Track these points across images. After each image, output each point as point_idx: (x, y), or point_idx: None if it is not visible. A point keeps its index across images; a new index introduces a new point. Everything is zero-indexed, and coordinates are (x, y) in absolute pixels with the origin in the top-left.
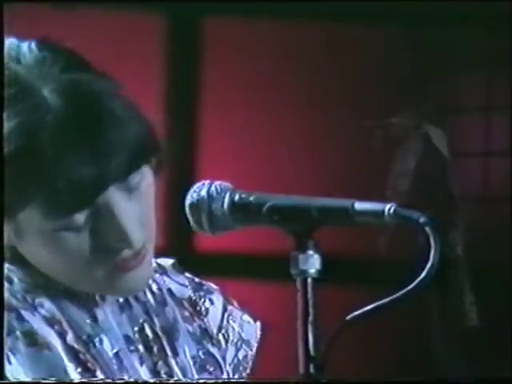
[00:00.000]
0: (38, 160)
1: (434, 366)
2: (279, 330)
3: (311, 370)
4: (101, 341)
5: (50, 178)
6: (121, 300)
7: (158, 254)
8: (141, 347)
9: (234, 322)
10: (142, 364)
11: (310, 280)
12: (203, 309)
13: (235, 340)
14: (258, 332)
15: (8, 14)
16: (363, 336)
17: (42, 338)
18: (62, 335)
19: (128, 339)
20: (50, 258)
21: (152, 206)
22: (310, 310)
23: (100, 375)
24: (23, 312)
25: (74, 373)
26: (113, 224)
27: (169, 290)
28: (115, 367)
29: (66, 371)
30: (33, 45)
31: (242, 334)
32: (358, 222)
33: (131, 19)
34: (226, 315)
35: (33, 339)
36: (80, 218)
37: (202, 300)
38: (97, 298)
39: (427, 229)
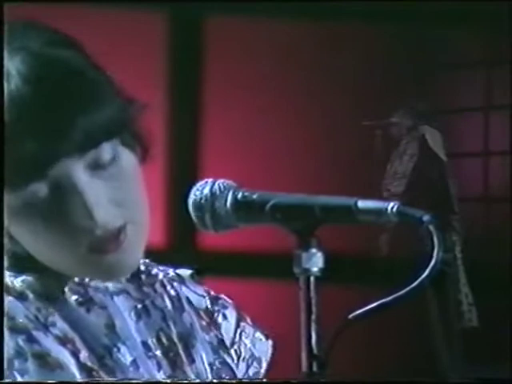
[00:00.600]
0: None
1: (435, 364)
2: (282, 328)
3: (314, 368)
4: (118, 349)
5: (4, 149)
6: (139, 306)
7: (163, 252)
8: (158, 353)
9: (246, 338)
10: (159, 370)
11: (312, 278)
12: (217, 322)
13: (247, 356)
14: (270, 350)
15: (8, 13)
16: (366, 334)
17: (53, 358)
18: (75, 354)
19: (146, 345)
20: (29, 238)
21: (135, 190)
22: (313, 309)
23: None
24: (35, 333)
25: None
26: (76, 200)
27: (187, 298)
28: (132, 375)
29: None
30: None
31: (254, 351)
32: (360, 220)
33: (134, 18)
34: (238, 331)
35: (44, 360)
36: (38, 190)
37: (216, 314)
38: (114, 305)
39: (430, 227)
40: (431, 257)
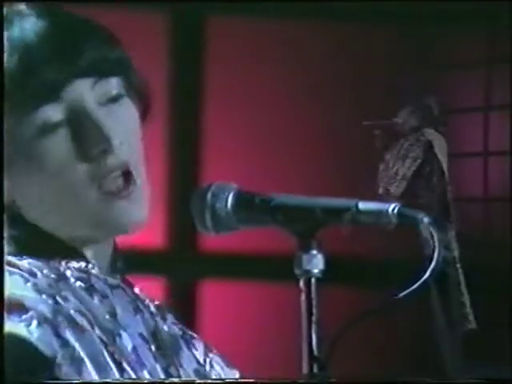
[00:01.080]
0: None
1: (437, 365)
2: (282, 329)
3: (315, 369)
4: (120, 335)
5: (22, 77)
6: (133, 303)
7: (163, 253)
8: (153, 348)
9: (217, 365)
10: (156, 362)
11: (313, 280)
12: (190, 348)
13: None
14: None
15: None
16: (367, 336)
17: (79, 322)
18: (92, 325)
19: (144, 338)
20: (40, 183)
21: (138, 137)
22: (314, 310)
23: (126, 367)
24: (57, 298)
25: (109, 359)
26: (91, 126)
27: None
28: (134, 362)
29: (103, 356)
30: None
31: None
32: (361, 221)
33: (135, 19)
34: (208, 360)
35: (74, 322)
36: (52, 115)
37: (187, 341)
38: (114, 296)
39: (431, 229)
40: (432, 258)
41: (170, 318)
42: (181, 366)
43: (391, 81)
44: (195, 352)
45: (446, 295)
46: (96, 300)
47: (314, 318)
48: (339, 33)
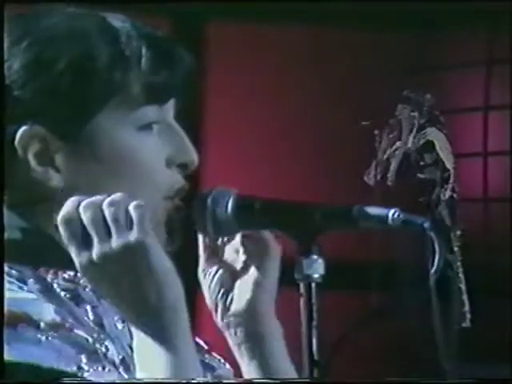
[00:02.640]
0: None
1: (436, 365)
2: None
3: (315, 374)
4: (106, 348)
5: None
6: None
7: None
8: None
9: (208, 372)
10: None
11: (313, 285)
12: None
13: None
14: (231, 372)
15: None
16: (367, 340)
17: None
18: (72, 330)
19: (131, 349)
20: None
21: None
22: (314, 315)
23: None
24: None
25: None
26: (175, 135)
27: None
28: (123, 372)
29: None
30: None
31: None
32: (361, 226)
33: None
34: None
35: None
36: (150, 115)
37: None
38: (102, 305)
39: (431, 234)
40: (433, 264)
41: None
42: None
43: (391, 81)
44: None
45: (446, 296)
46: (82, 308)
47: (314, 323)
48: (339, 34)
